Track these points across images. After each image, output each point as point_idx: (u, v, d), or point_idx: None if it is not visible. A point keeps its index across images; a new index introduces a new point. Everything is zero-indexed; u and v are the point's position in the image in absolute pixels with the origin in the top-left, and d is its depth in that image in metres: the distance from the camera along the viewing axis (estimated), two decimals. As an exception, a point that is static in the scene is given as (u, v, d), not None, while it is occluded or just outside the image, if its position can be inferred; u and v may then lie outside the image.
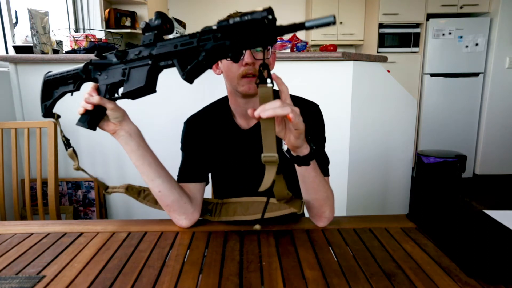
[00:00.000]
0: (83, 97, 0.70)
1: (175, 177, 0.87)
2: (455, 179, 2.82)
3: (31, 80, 1.85)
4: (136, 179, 0.94)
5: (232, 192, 0.96)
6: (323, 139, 0.92)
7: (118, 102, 0.72)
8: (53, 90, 0.77)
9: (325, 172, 0.87)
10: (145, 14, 3.39)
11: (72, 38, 2.15)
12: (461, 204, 2.97)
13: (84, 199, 1.94)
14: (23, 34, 1.97)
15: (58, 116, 0.79)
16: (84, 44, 2.09)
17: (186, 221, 0.84)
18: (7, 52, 2.09)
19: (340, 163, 1.88)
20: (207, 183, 0.93)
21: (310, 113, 0.90)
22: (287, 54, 1.83)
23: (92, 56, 1.99)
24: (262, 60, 0.62)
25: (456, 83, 3.67)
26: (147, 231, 0.84)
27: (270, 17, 0.48)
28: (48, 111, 0.77)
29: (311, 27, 0.48)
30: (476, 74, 3.65)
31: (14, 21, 2.09)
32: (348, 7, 4.06)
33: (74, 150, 0.78)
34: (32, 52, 1.89)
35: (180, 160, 0.93)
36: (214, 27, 0.53)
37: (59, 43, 2.24)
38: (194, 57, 0.56)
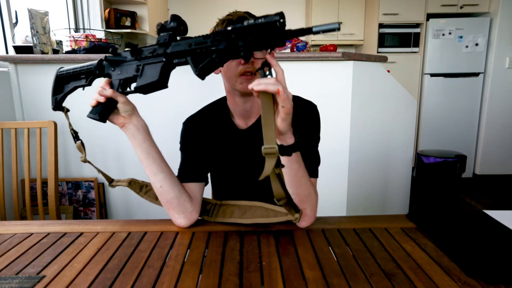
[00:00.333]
0: (95, 91, 0.73)
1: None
2: (455, 179, 2.82)
3: (31, 80, 1.85)
4: (136, 177, 0.94)
5: (232, 192, 0.96)
6: (317, 139, 0.91)
7: (129, 97, 0.76)
8: (64, 84, 0.80)
9: (313, 173, 0.86)
10: (145, 14, 3.38)
11: (72, 38, 2.15)
12: (461, 204, 2.97)
13: (84, 199, 1.94)
14: (23, 34, 1.97)
15: (67, 110, 0.82)
16: (84, 44, 2.09)
17: (185, 220, 0.84)
18: (7, 52, 2.08)
19: (340, 163, 1.88)
20: (207, 183, 0.93)
21: (306, 110, 0.90)
22: (287, 54, 1.83)
23: (92, 56, 1.98)
24: (262, 59, 0.63)
25: (456, 83, 3.67)
26: (147, 231, 0.84)
27: (282, 20, 0.53)
28: (58, 105, 0.80)
29: (317, 32, 0.53)
30: (476, 74, 3.65)
31: (14, 21, 2.09)
32: (348, 7, 4.06)
33: (82, 143, 0.82)
34: (32, 52, 1.89)
35: (178, 160, 0.93)
36: (229, 29, 0.58)
37: (59, 43, 2.24)
38: (207, 56, 0.60)
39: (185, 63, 0.64)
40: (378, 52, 3.78)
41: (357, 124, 1.88)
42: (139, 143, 0.78)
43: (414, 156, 3.29)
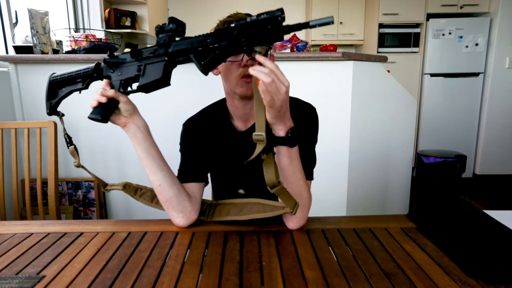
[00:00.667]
0: (96, 92, 0.74)
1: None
2: (455, 179, 2.82)
3: (31, 80, 1.85)
4: (135, 179, 0.94)
5: (231, 193, 0.96)
6: (313, 140, 0.91)
7: (129, 98, 0.77)
8: (58, 89, 0.82)
9: (308, 175, 0.85)
10: (145, 14, 3.38)
11: (72, 38, 2.15)
12: (461, 204, 2.96)
13: (84, 199, 1.94)
14: (23, 34, 1.97)
15: (62, 115, 0.83)
16: (84, 44, 2.09)
17: (184, 219, 0.84)
18: (7, 52, 2.08)
19: (340, 163, 1.88)
20: (206, 183, 0.93)
21: (303, 112, 0.90)
22: (287, 54, 1.83)
23: (92, 56, 1.98)
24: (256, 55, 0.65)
25: (456, 83, 3.67)
26: (147, 231, 0.84)
27: (283, 15, 0.57)
28: (53, 109, 0.81)
29: (314, 26, 0.56)
30: (476, 74, 3.65)
31: (14, 21, 2.09)
32: (348, 7, 4.06)
33: (75, 148, 0.83)
34: (32, 52, 1.89)
35: (178, 160, 0.93)
36: (233, 25, 0.61)
37: (59, 43, 2.24)
38: (209, 53, 0.63)
39: (187, 61, 0.66)
40: (378, 52, 3.78)
41: (357, 124, 1.88)
42: (140, 142, 0.79)
43: (414, 156, 3.29)
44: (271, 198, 0.78)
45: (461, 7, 3.63)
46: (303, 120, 0.89)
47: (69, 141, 0.82)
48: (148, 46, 0.72)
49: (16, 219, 1.47)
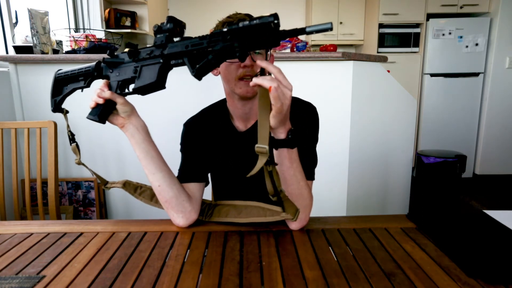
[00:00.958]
0: (94, 92, 0.74)
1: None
2: (455, 179, 2.82)
3: (31, 80, 1.85)
4: (135, 179, 0.94)
5: (232, 193, 0.96)
6: (314, 140, 0.91)
7: (128, 98, 0.77)
8: (63, 86, 0.81)
9: (310, 175, 0.85)
10: (145, 14, 3.38)
11: (72, 38, 2.15)
12: (461, 204, 2.96)
13: (84, 199, 1.94)
14: (23, 34, 1.97)
15: (67, 112, 0.83)
16: (84, 44, 2.09)
17: (184, 219, 0.84)
18: (7, 52, 2.08)
19: (340, 163, 1.88)
20: (207, 183, 0.93)
21: (305, 112, 0.90)
22: (287, 54, 1.83)
23: (92, 56, 1.98)
24: (263, 59, 0.64)
25: (456, 83, 3.67)
26: (147, 231, 0.84)
27: (276, 21, 0.54)
28: (57, 106, 0.82)
29: (311, 32, 0.54)
30: (476, 74, 3.65)
31: (14, 21, 2.09)
32: (348, 7, 4.06)
33: (77, 145, 0.83)
34: (32, 52, 1.89)
35: (178, 160, 0.93)
36: (225, 30, 0.59)
37: (59, 43, 2.24)
38: (203, 56, 0.61)
39: (182, 64, 0.65)
40: (378, 52, 3.78)
41: (357, 124, 1.87)
42: (138, 142, 0.79)
43: (414, 156, 3.29)
44: (271, 200, 0.78)
45: (461, 7, 3.63)
46: (306, 120, 0.89)
47: (72, 138, 0.82)
48: (148, 46, 0.71)
49: (16, 219, 1.47)
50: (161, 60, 0.67)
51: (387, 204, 2.19)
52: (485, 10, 3.60)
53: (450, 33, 3.60)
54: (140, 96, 0.71)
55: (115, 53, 0.76)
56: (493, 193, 3.30)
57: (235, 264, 0.68)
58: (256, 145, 0.65)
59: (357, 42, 4.19)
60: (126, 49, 0.74)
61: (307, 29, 0.54)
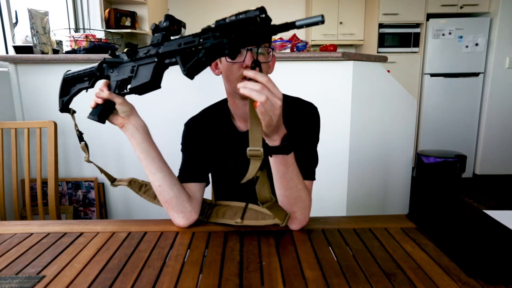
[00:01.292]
0: (94, 92, 0.74)
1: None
2: (455, 179, 2.82)
3: (31, 80, 1.85)
4: (136, 177, 0.94)
5: (232, 193, 0.96)
6: (315, 140, 0.91)
7: (128, 98, 0.76)
8: (70, 87, 0.82)
9: (309, 175, 0.85)
10: (145, 14, 3.38)
11: (72, 38, 2.15)
12: (461, 204, 2.96)
13: (84, 199, 1.94)
14: (23, 34, 1.97)
15: (74, 111, 0.84)
16: (84, 44, 2.09)
17: (184, 220, 0.84)
18: (7, 52, 2.08)
19: (340, 163, 1.88)
20: (207, 183, 0.93)
21: (306, 113, 0.90)
22: (287, 54, 1.83)
23: (92, 56, 1.97)
24: (264, 62, 0.62)
25: (456, 83, 3.67)
26: (147, 231, 0.84)
27: (263, 15, 0.51)
28: (65, 106, 0.82)
29: (301, 26, 0.51)
30: (476, 74, 3.65)
31: (14, 21, 2.09)
32: (348, 7, 4.06)
33: (86, 144, 0.84)
34: (32, 52, 1.89)
35: (178, 160, 0.93)
36: (213, 26, 0.57)
37: (59, 43, 2.24)
38: (195, 55, 0.59)
39: (176, 63, 0.63)
40: (378, 52, 3.78)
41: (357, 124, 1.88)
42: (138, 142, 0.78)
43: (414, 156, 3.29)
44: None
45: (461, 7, 3.63)
46: (306, 121, 0.89)
47: (80, 137, 0.83)
48: (145, 46, 0.71)
49: (16, 219, 1.47)
50: (155, 59, 0.66)
51: (387, 204, 2.19)
52: (485, 10, 3.60)
53: (450, 33, 3.60)
54: (140, 96, 0.71)
55: (117, 53, 0.76)
56: (493, 193, 3.30)
57: (235, 264, 0.68)
58: (249, 148, 0.61)
59: (357, 42, 4.19)
60: (126, 49, 0.74)
61: (297, 23, 0.51)
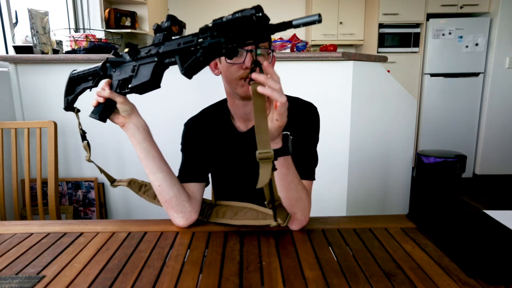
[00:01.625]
0: (96, 91, 0.75)
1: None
2: (455, 179, 2.82)
3: (31, 80, 1.85)
4: (136, 177, 0.94)
5: (232, 193, 0.96)
6: (315, 140, 0.91)
7: (129, 97, 0.77)
8: (75, 86, 0.83)
9: (309, 175, 0.85)
10: (145, 14, 3.38)
11: (72, 38, 2.15)
12: (461, 204, 2.97)
13: (84, 199, 1.94)
14: (23, 34, 1.97)
15: (78, 110, 0.84)
16: (84, 44, 2.09)
17: (183, 220, 0.84)
18: (7, 52, 2.08)
19: (340, 163, 1.88)
20: (207, 184, 0.93)
21: (306, 113, 0.90)
22: (287, 54, 1.83)
23: (92, 56, 1.97)
24: (264, 62, 0.62)
25: (456, 83, 3.67)
26: (147, 231, 0.84)
27: (259, 14, 0.51)
28: (70, 105, 0.83)
29: (298, 25, 0.50)
30: (476, 74, 3.65)
31: (14, 21, 2.09)
32: (348, 7, 4.06)
33: (88, 143, 0.84)
34: (32, 52, 1.89)
35: (178, 160, 0.93)
36: (210, 25, 0.57)
37: (59, 43, 2.24)
38: (193, 54, 0.59)
39: (175, 62, 0.64)
40: (378, 52, 3.78)
41: (357, 124, 1.88)
42: (139, 142, 0.79)
43: (414, 156, 3.29)
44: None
45: (461, 7, 3.63)
46: (306, 121, 0.89)
47: (83, 136, 0.84)
48: (146, 45, 0.72)
49: (16, 219, 1.47)
50: (155, 59, 0.67)
51: (387, 204, 2.19)
52: (485, 10, 3.60)
53: (450, 33, 3.60)
54: (140, 95, 0.72)
55: (120, 53, 0.77)
56: (493, 193, 3.30)
57: (235, 264, 0.68)
58: (258, 152, 0.59)
59: (357, 42, 4.19)
60: (126, 49, 0.74)
61: (294, 22, 0.50)
